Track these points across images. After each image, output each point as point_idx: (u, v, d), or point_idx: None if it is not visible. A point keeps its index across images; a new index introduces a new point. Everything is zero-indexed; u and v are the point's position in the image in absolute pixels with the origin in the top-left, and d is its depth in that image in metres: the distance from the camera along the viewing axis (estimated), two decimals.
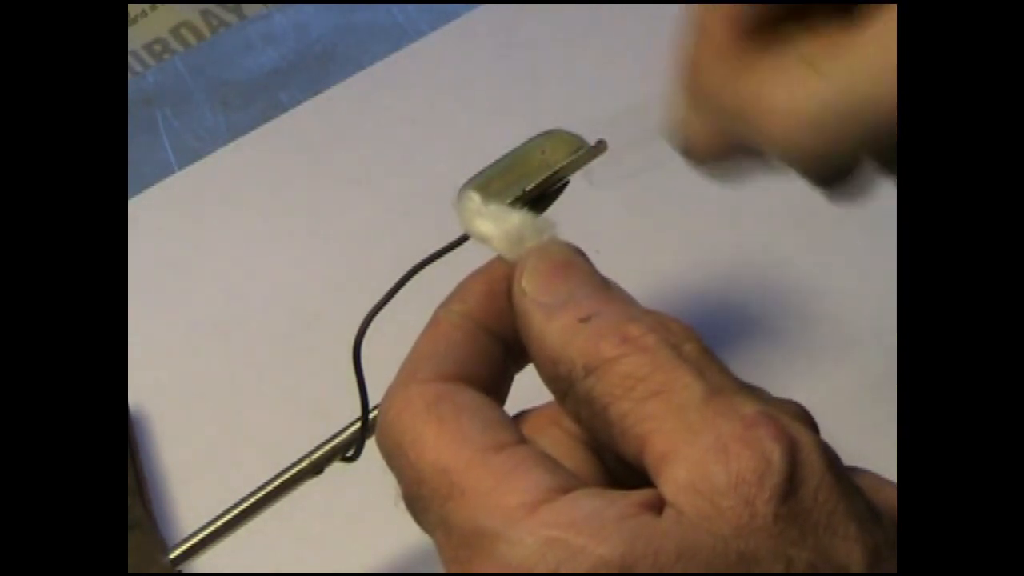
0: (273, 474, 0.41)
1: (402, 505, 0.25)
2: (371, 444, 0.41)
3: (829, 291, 0.54)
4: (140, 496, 0.51)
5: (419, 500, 0.24)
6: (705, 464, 0.21)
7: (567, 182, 0.38)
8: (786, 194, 0.61)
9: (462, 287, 0.28)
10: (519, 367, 0.28)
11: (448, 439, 0.23)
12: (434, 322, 0.28)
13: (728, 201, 0.60)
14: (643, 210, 0.60)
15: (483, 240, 0.29)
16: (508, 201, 0.36)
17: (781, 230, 0.57)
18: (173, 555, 0.41)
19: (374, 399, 0.40)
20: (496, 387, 0.27)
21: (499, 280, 0.27)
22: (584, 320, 0.24)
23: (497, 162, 0.37)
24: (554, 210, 0.39)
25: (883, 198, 0.57)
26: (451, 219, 0.36)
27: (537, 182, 0.36)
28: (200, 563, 0.43)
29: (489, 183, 0.37)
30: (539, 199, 0.38)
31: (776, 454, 0.21)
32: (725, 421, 0.22)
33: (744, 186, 0.60)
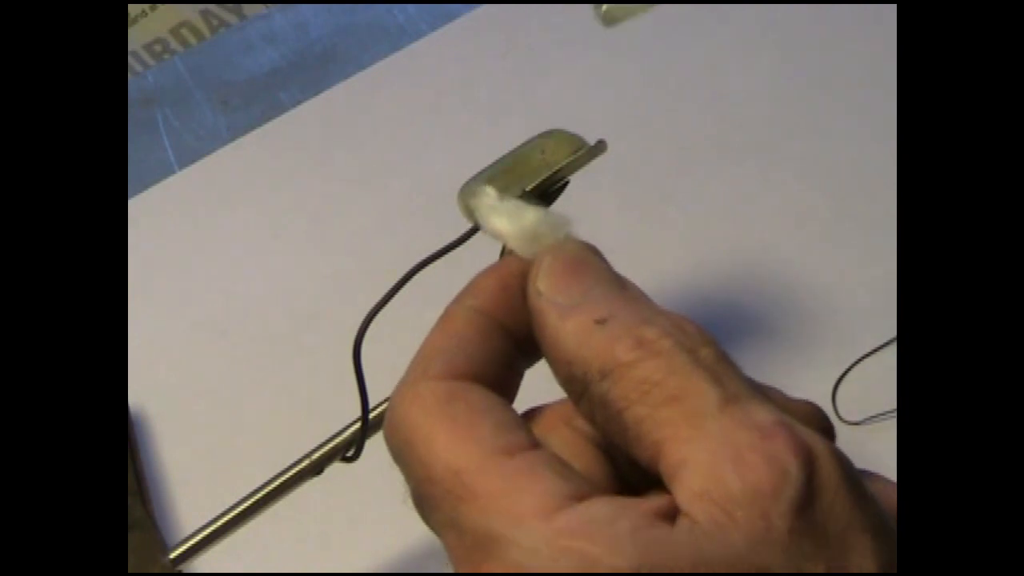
0: (273, 474, 0.41)
1: (409, 502, 0.25)
2: (371, 444, 0.41)
3: (829, 291, 0.54)
4: (140, 496, 0.51)
5: (429, 499, 0.23)
6: (720, 473, 0.21)
7: (567, 182, 0.38)
8: (786, 194, 0.61)
9: (476, 283, 0.28)
10: (529, 364, 0.28)
11: (460, 439, 0.23)
12: (447, 317, 0.27)
13: (728, 201, 0.60)
14: (643, 210, 0.60)
15: (497, 237, 0.28)
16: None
17: (781, 230, 0.57)
18: (173, 555, 0.41)
19: (374, 399, 0.40)
20: (507, 385, 0.27)
21: (513, 277, 0.27)
22: (599, 321, 0.24)
23: (497, 162, 0.37)
24: (553, 210, 0.39)
25: (883, 198, 0.57)
26: (451, 219, 0.36)
27: (537, 182, 0.36)
28: (200, 563, 0.43)
29: (489, 183, 0.37)
30: (539, 199, 0.38)
31: (793, 466, 0.21)
32: (741, 430, 0.21)
33: (744, 186, 0.60)
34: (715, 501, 0.21)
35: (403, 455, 0.24)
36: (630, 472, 0.25)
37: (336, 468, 0.41)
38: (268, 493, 0.41)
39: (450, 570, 0.24)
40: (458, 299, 0.27)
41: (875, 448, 0.46)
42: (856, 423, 0.47)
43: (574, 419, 0.26)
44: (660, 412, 0.22)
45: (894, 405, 0.47)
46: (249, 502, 0.41)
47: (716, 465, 0.21)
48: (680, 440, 0.22)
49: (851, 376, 0.49)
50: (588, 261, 0.26)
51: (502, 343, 0.26)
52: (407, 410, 0.24)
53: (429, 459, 0.23)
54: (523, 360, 0.27)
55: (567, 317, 0.24)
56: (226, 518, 0.41)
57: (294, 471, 0.41)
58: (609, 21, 0.36)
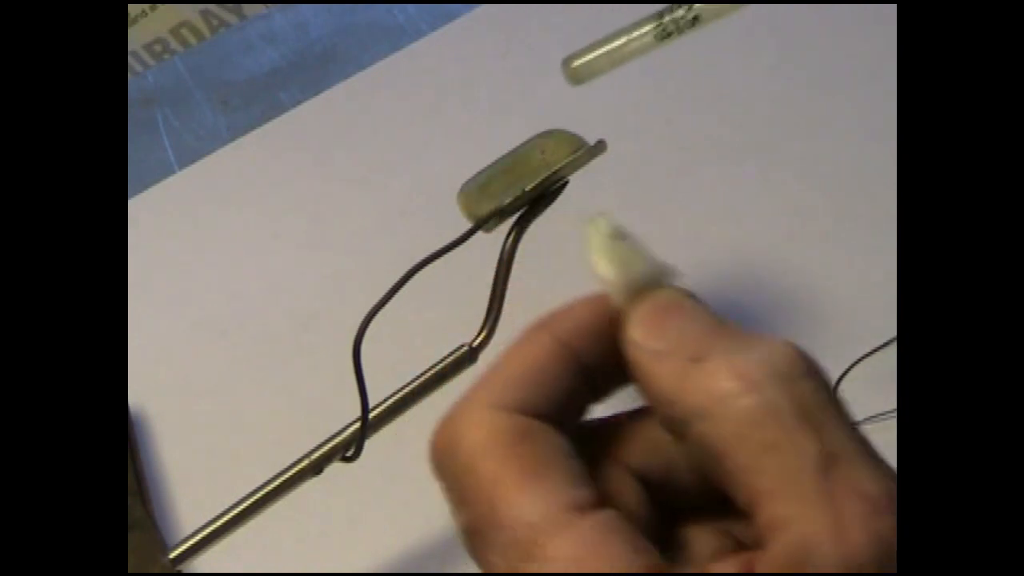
0: (273, 474, 0.41)
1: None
2: (371, 444, 0.41)
3: (829, 291, 0.54)
4: (140, 496, 0.51)
5: (488, 540, 0.23)
6: (821, 545, 0.20)
7: (567, 182, 0.38)
8: (786, 194, 0.61)
9: (567, 314, 0.26)
10: (596, 403, 0.27)
11: (532, 488, 0.23)
12: (529, 342, 0.26)
13: (728, 201, 0.60)
14: (643, 210, 0.60)
15: (598, 278, 0.27)
16: (508, 201, 0.36)
17: (781, 230, 0.57)
18: (173, 555, 0.41)
19: (374, 399, 0.40)
20: (572, 424, 0.26)
21: (608, 316, 0.26)
22: (695, 360, 0.23)
23: (497, 162, 0.37)
24: (554, 210, 0.39)
25: (883, 198, 0.57)
26: (451, 219, 0.36)
27: (537, 182, 0.36)
28: (200, 563, 0.43)
29: (489, 183, 0.37)
30: (539, 199, 0.38)
31: (897, 548, 0.20)
32: (848, 499, 0.21)
33: (744, 186, 0.61)
34: (811, 572, 0.20)
35: (460, 483, 0.24)
36: (677, 504, 0.25)
37: (336, 468, 0.41)
38: (268, 493, 0.41)
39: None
40: (545, 325, 0.26)
41: (876, 447, 0.46)
42: (856, 423, 0.47)
43: (619, 451, 0.25)
44: (758, 462, 0.22)
45: (894, 405, 0.47)
46: (249, 502, 0.41)
47: (817, 535, 0.21)
48: (780, 498, 0.21)
49: (851, 376, 0.49)
50: (681, 305, 0.26)
51: (579, 383, 0.25)
52: (473, 434, 0.24)
53: (496, 501, 0.23)
54: (592, 400, 0.26)
55: (662, 360, 0.24)
56: (226, 518, 0.41)
57: (294, 471, 0.41)
58: (576, 80, 0.37)
